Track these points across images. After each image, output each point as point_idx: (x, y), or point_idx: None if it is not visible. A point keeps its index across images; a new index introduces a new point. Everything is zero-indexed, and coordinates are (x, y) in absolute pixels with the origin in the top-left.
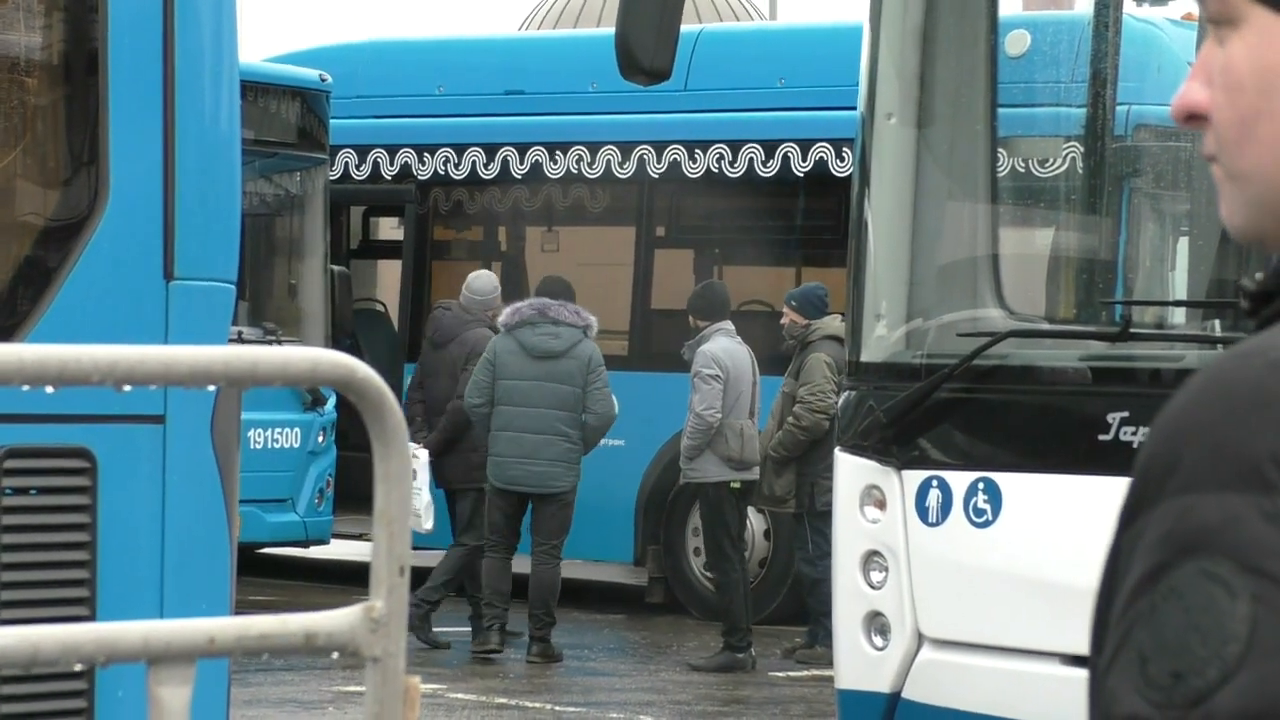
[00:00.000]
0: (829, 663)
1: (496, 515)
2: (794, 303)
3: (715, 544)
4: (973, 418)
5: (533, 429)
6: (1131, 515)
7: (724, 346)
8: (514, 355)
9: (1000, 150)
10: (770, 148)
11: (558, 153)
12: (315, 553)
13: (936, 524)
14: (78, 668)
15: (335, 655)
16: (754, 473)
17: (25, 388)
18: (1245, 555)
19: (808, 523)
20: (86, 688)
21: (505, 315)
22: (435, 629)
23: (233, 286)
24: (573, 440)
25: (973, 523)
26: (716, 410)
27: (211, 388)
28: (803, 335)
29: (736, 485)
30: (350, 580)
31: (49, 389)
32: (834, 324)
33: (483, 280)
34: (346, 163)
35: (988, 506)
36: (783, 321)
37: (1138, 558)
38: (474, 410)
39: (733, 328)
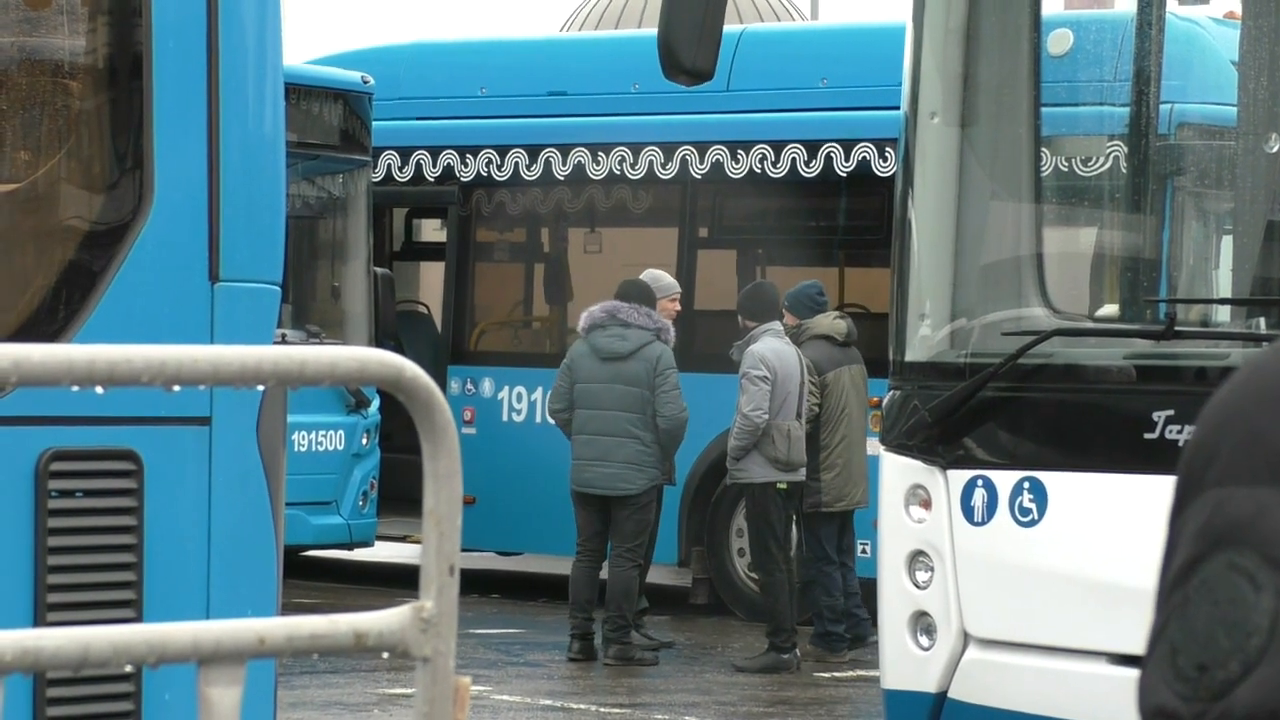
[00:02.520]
0: (822, 660)
1: (580, 521)
2: (787, 303)
3: (761, 545)
4: (1018, 417)
5: (604, 431)
6: (1178, 507)
7: (772, 347)
8: (586, 359)
9: (1043, 149)
10: (813, 148)
11: (600, 154)
12: (360, 555)
13: (982, 523)
14: (127, 669)
15: (385, 655)
16: (800, 474)
17: (74, 388)
18: (1271, 548)
19: (802, 524)
20: (134, 690)
21: (581, 320)
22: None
23: (278, 288)
24: (645, 443)
25: (1018, 522)
26: (764, 411)
27: (260, 387)
28: (794, 335)
29: (783, 486)
30: (395, 582)
31: (98, 389)
32: (825, 322)
33: (667, 279)
34: (389, 164)
35: (1033, 506)
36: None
37: (1179, 549)
38: (556, 416)
39: (781, 329)
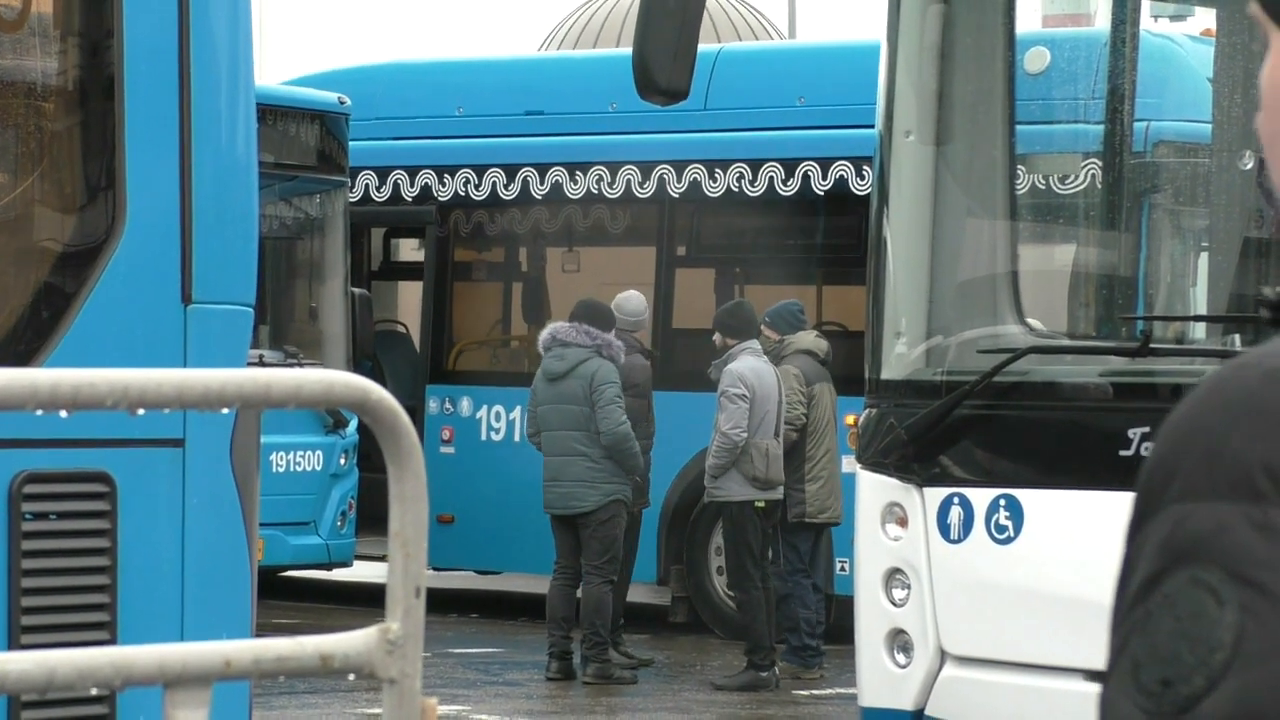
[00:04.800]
0: (795, 678)
1: (556, 540)
2: (768, 319)
3: (738, 563)
4: (994, 434)
5: (555, 452)
6: (1137, 522)
7: (750, 366)
8: (540, 382)
9: (1019, 167)
10: (790, 166)
11: (578, 173)
12: (338, 575)
13: (958, 541)
14: (94, 692)
15: (352, 677)
16: (778, 492)
17: (39, 412)
18: (1234, 564)
19: (780, 536)
20: (108, 712)
21: (539, 345)
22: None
23: (251, 310)
24: (594, 459)
25: (994, 539)
26: (742, 430)
27: (226, 410)
28: (776, 350)
29: (761, 505)
30: (374, 602)
31: (63, 413)
32: (807, 339)
33: (634, 302)
34: (367, 184)
35: (1009, 523)
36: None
37: (1139, 565)
38: (530, 440)
39: (759, 347)
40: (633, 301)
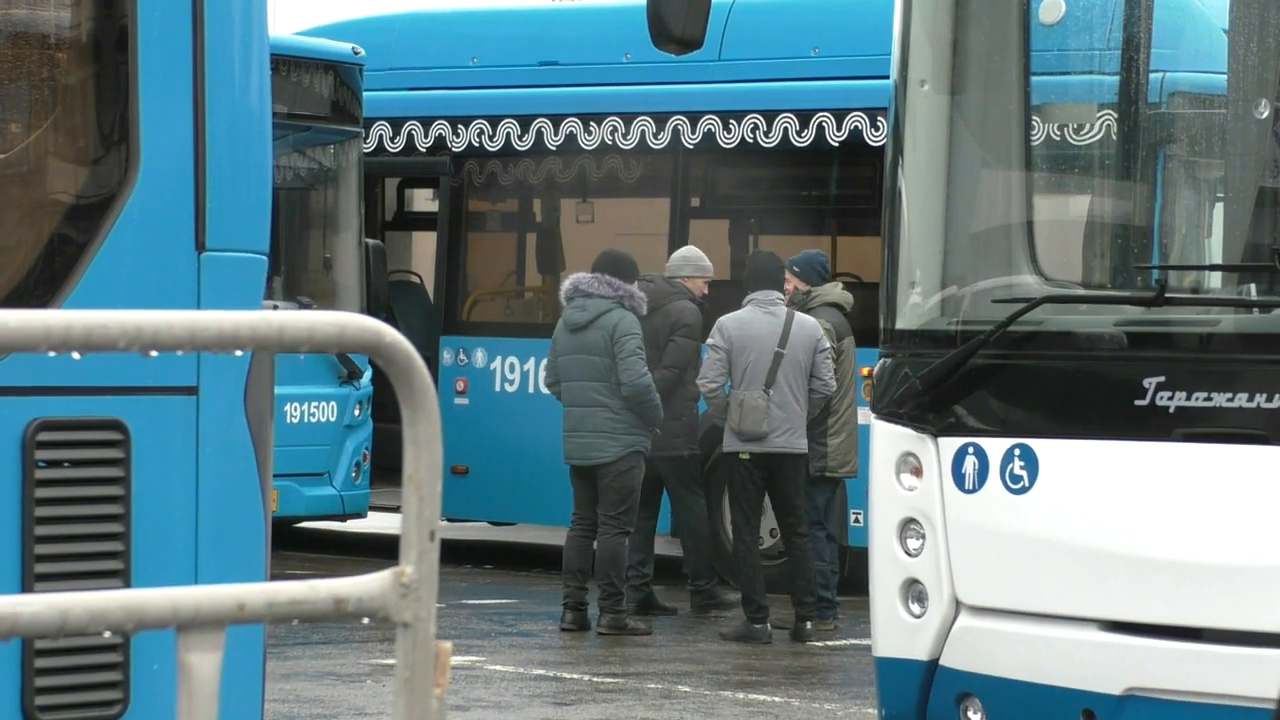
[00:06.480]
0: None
1: (574, 491)
2: (796, 269)
3: (732, 513)
4: (1008, 384)
5: (576, 402)
6: None
7: (737, 316)
8: (561, 332)
9: (1034, 117)
10: (805, 117)
11: (592, 124)
12: (353, 526)
13: (973, 490)
14: (107, 635)
15: (366, 620)
16: (766, 444)
17: (52, 354)
18: None
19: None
20: (122, 660)
21: (560, 295)
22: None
23: (265, 257)
24: (614, 410)
25: (1009, 489)
26: (709, 380)
27: (239, 353)
28: (803, 302)
29: (745, 456)
30: (388, 554)
31: (75, 355)
32: (834, 291)
33: (694, 252)
34: (381, 135)
35: (1024, 473)
36: (785, 288)
37: None
38: (549, 389)
39: (770, 297)
40: (694, 253)
